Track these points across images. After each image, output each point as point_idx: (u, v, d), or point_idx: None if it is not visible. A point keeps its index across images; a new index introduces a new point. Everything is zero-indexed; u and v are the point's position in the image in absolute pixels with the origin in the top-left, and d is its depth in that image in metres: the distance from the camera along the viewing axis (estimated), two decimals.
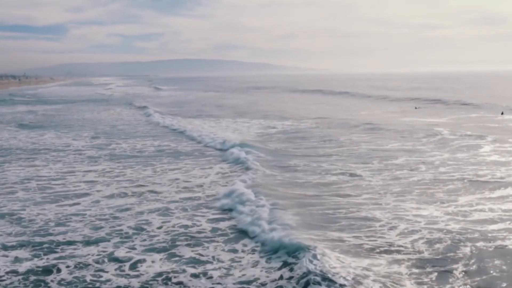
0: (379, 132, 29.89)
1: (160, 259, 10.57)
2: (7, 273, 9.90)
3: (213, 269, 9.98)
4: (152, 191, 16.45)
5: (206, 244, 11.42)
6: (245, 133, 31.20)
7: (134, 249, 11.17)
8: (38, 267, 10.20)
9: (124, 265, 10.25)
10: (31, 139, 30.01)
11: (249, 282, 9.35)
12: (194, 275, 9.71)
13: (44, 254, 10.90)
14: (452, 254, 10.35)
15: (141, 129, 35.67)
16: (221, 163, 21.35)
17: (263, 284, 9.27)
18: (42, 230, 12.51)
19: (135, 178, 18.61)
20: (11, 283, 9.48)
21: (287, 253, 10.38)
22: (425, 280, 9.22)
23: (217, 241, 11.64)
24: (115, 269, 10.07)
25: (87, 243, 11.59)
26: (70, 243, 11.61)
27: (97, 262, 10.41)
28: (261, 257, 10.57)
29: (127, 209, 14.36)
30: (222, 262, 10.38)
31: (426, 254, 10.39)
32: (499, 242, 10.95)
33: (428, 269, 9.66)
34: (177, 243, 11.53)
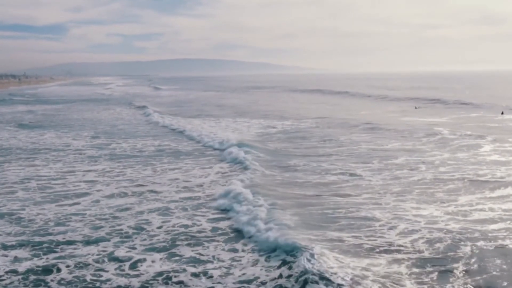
0: (379, 131, 29.88)
1: (160, 258, 10.57)
2: (6, 272, 9.90)
3: (214, 268, 9.97)
4: (152, 191, 16.45)
5: (206, 244, 11.42)
6: (245, 133, 31.19)
7: (134, 248, 11.17)
8: (38, 266, 10.19)
9: (124, 265, 10.25)
10: (31, 139, 30.00)
11: (249, 282, 9.34)
12: (195, 275, 9.70)
13: (44, 254, 10.89)
14: (452, 253, 10.35)
15: (141, 128, 35.66)
16: (221, 162, 21.34)
17: (263, 283, 9.26)
18: (42, 230, 12.50)
19: (135, 177, 18.61)
20: (11, 282, 9.48)
21: (285, 252, 10.36)
22: (425, 280, 9.21)
23: (217, 241, 11.63)
24: (115, 269, 10.06)
25: (87, 242, 11.59)
26: (70, 242, 11.60)
27: (97, 262, 10.40)
28: (260, 255, 10.56)
29: (127, 209, 14.35)
30: (222, 261, 10.38)
31: (426, 254, 10.38)
32: (499, 242, 10.95)
33: (428, 269, 9.65)
34: (177, 242, 11.52)
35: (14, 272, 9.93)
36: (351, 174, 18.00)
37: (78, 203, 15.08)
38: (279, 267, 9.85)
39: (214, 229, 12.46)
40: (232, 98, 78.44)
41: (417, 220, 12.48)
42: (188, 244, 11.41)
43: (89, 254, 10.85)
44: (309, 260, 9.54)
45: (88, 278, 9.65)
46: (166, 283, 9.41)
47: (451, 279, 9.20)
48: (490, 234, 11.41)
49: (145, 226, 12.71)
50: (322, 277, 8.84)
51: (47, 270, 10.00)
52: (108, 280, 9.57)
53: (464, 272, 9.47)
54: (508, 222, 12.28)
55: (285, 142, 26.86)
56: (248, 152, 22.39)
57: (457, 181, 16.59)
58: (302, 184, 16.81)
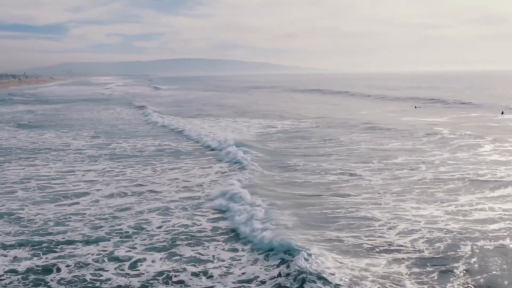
0: (379, 131, 29.87)
1: (161, 258, 10.56)
2: (6, 272, 9.89)
3: (214, 268, 9.96)
4: (152, 191, 16.44)
5: (206, 244, 11.41)
6: (245, 133, 31.18)
7: (134, 248, 11.16)
8: (37, 266, 10.18)
9: (124, 264, 10.24)
10: (30, 139, 30.00)
11: (249, 281, 9.33)
12: (195, 274, 9.69)
13: (43, 254, 10.88)
14: (452, 253, 10.34)
15: (141, 128, 35.65)
16: (221, 162, 21.32)
17: (263, 282, 9.25)
18: (41, 230, 12.49)
19: (135, 177, 18.60)
20: (11, 282, 9.47)
21: (283, 252, 10.31)
22: (425, 279, 9.20)
23: (217, 240, 11.62)
24: (115, 268, 10.05)
25: (87, 242, 11.58)
26: (69, 242, 11.59)
27: (97, 262, 10.39)
28: (259, 254, 10.52)
29: (127, 209, 14.34)
30: (222, 261, 10.36)
31: (426, 253, 10.37)
32: (499, 241, 10.94)
33: (428, 269, 9.64)
34: (177, 242, 11.51)
35: (14, 272, 9.92)
36: (351, 174, 17.99)
37: (77, 203, 15.07)
38: (277, 265, 9.82)
39: (214, 229, 12.44)
40: (232, 98, 78.43)
41: (417, 220, 12.47)
42: (188, 244, 11.39)
43: (89, 253, 10.83)
44: (306, 260, 9.52)
45: (88, 277, 9.64)
46: (167, 283, 9.40)
47: (451, 279, 9.19)
48: (490, 234, 11.40)
49: (145, 226, 12.70)
50: (319, 277, 8.81)
51: (47, 270, 9.99)
52: (108, 279, 9.56)
53: (464, 272, 9.46)
54: (508, 222, 12.27)
55: (284, 142, 26.85)
56: (247, 152, 22.38)
57: (457, 181, 16.58)
58: (301, 184, 16.80)
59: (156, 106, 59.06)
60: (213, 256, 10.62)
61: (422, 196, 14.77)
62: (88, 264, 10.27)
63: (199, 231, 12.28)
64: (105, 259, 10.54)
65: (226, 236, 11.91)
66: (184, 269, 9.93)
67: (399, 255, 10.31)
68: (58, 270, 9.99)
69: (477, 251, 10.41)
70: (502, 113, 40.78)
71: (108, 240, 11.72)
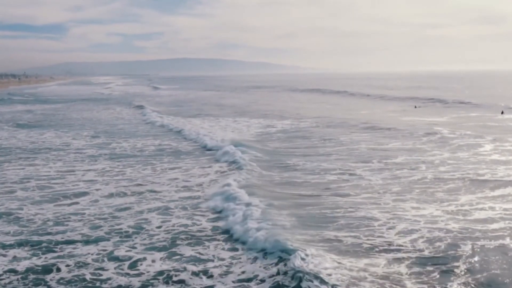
0: (379, 131, 29.86)
1: (161, 258, 10.54)
2: (5, 272, 9.87)
3: (214, 267, 9.95)
4: (151, 190, 16.42)
5: (206, 243, 11.39)
6: (245, 133, 31.16)
7: (134, 248, 11.14)
8: (37, 266, 10.17)
9: (124, 264, 10.22)
10: (30, 138, 29.98)
11: (248, 280, 9.32)
12: (195, 274, 9.68)
13: (43, 253, 10.86)
14: (452, 252, 10.32)
15: (141, 128, 35.64)
16: (220, 162, 21.30)
17: (262, 281, 9.24)
18: (41, 230, 12.47)
19: (135, 177, 18.58)
20: (10, 282, 9.45)
21: (280, 252, 10.23)
22: (425, 279, 9.19)
23: (218, 240, 11.61)
24: (115, 268, 10.04)
25: (87, 242, 11.56)
26: (69, 242, 11.57)
27: (97, 261, 10.38)
28: (258, 253, 10.49)
29: (126, 208, 14.33)
30: (223, 260, 10.35)
31: (426, 253, 10.36)
32: (500, 241, 10.93)
33: (429, 268, 9.63)
34: (178, 242, 11.50)
35: (13, 271, 9.90)
36: (350, 174, 17.97)
37: (77, 203, 15.05)
38: (275, 265, 9.79)
39: (214, 228, 12.43)
40: (232, 97, 78.40)
41: (417, 220, 12.46)
42: (189, 244, 11.38)
43: (88, 253, 10.82)
44: (303, 259, 9.50)
45: (88, 277, 9.63)
46: (167, 282, 9.38)
47: (451, 278, 9.17)
48: (490, 234, 11.40)
49: (144, 226, 12.69)
50: (315, 278, 8.78)
51: (47, 269, 9.98)
52: (109, 279, 9.55)
53: (465, 271, 9.45)
54: (509, 221, 12.26)
55: (284, 142, 26.84)
56: (246, 152, 22.36)
57: (457, 180, 16.57)
58: (300, 184, 16.78)
59: (156, 105, 59.04)
60: (213, 256, 10.61)
61: (422, 196, 14.76)
62: (88, 263, 10.26)
63: (199, 231, 12.27)
64: (105, 258, 10.53)
65: (226, 236, 11.90)
66: (185, 269, 9.92)
67: (399, 255, 10.29)
68: (58, 270, 9.98)
69: (478, 250, 10.40)
70: (502, 112, 40.78)
71: (108, 240, 11.71)
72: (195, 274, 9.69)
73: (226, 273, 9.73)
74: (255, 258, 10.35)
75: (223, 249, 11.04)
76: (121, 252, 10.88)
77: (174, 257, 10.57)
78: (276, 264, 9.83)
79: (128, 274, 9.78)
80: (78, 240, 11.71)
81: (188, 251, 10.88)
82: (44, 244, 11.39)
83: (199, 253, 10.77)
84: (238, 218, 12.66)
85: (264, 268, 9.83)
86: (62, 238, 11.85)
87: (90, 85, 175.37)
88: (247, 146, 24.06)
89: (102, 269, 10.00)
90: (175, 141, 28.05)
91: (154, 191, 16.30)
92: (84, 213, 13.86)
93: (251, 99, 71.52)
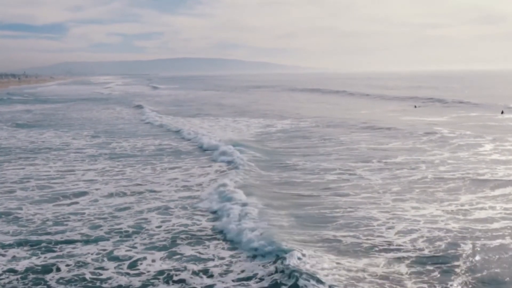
0: (378, 131, 29.85)
1: (161, 257, 10.53)
2: (4, 272, 9.85)
3: (214, 266, 9.94)
4: (151, 190, 16.41)
5: (207, 243, 11.38)
6: (244, 132, 31.16)
7: (134, 247, 11.13)
8: (36, 265, 10.15)
9: (124, 264, 10.21)
10: (30, 138, 29.96)
11: (248, 279, 9.31)
12: (195, 273, 9.67)
13: (42, 253, 10.84)
14: (453, 251, 10.31)
15: (140, 128, 35.63)
16: (220, 162, 21.27)
17: (261, 279, 9.23)
18: (40, 229, 12.45)
19: (135, 177, 18.57)
20: (10, 281, 9.44)
21: (275, 253, 10.14)
22: (425, 278, 9.17)
23: (218, 239, 11.59)
24: (115, 268, 10.02)
25: (86, 242, 11.54)
26: (68, 242, 11.55)
27: (97, 261, 10.36)
28: (256, 252, 10.48)
29: (126, 208, 14.31)
30: (223, 259, 10.35)
31: (426, 252, 10.34)
32: (500, 240, 10.92)
33: (429, 267, 9.61)
34: (178, 241, 11.49)
35: (13, 271, 9.88)
36: (350, 174, 17.96)
37: (77, 203, 15.03)
38: (272, 263, 9.75)
39: (214, 228, 12.41)
40: (232, 97, 78.37)
41: (417, 220, 12.44)
42: (189, 243, 11.36)
43: (88, 253, 10.80)
44: (299, 259, 9.47)
45: (88, 276, 9.61)
46: (167, 282, 9.37)
47: (452, 277, 9.16)
48: (491, 233, 11.38)
49: (144, 225, 12.67)
50: (311, 279, 8.74)
51: (46, 269, 9.96)
52: (109, 278, 9.53)
53: (465, 271, 9.43)
54: (509, 221, 12.25)
55: (284, 142, 26.83)
56: (246, 152, 22.34)
57: (457, 180, 16.56)
58: (300, 184, 16.75)
59: (156, 105, 59.03)
60: (214, 255, 10.59)
61: (422, 196, 14.74)
62: (88, 263, 10.24)
63: (200, 230, 12.25)
64: (105, 258, 10.51)
65: (226, 235, 11.87)
66: (185, 268, 9.91)
67: (399, 254, 10.27)
68: (58, 269, 9.96)
69: (478, 250, 10.38)
70: (502, 112, 40.76)
71: (108, 239, 11.69)
72: (195, 273, 9.68)
73: (226, 272, 9.72)
74: (250, 259, 10.30)
75: (223, 248, 11.03)
76: (121, 251, 10.87)
77: (174, 257, 10.56)
78: (272, 263, 9.76)
79: (128, 273, 9.76)
80: (77, 239, 11.69)
81: (188, 251, 10.88)
82: (43, 244, 11.38)
83: (199, 253, 10.77)
84: (233, 218, 12.55)
85: (260, 268, 9.79)
86: (62, 237, 11.83)
87: (90, 85, 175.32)
88: (248, 146, 24.04)
89: (102, 268, 9.99)
90: (175, 141, 28.03)
91: (154, 191, 16.29)
92: (83, 213, 13.85)
93: (251, 99, 71.50)
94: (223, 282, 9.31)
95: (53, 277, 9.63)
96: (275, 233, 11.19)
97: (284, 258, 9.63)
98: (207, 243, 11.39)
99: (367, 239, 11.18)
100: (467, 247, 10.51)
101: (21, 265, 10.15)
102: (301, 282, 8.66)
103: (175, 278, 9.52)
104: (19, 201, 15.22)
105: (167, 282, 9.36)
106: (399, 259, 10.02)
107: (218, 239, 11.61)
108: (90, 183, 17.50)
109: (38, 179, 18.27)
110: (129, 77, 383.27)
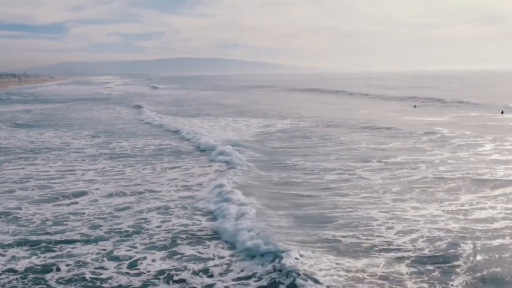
0: (378, 131, 29.84)
1: (161, 257, 10.52)
2: (4, 271, 9.85)
3: (214, 266, 9.93)
4: (151, 190, 16.40)
5: (207, 242, 11.37)
6: (244, 132, 31.15)
7: (134, 247, 11.12)
8: (36, 265, 10.14)
9: (124, 264, 10.20)
10: (29, 138, 29.95)
11: (248, 278, 9.30)
12: (195, 273, 9.66)
13: (42, 253, 10.84)
14: (453, 251, 10.30)
15: (140, 128, 35.62)
16: (219, 162, 21.26)
17: (260, 278, 9.22)
18: (40, 229, 12.44)
19: (134, 177, 18.56)
20: (9, 281, 9.43)
21: (272, 254, 10.09)
22: (426, 278, 9.17)
23: (218, 239, 11.59)
24: (115, 267, 10.02)
25: (86, 242, 11.54)
26: (68, 241, 11.54)
27: (97, 261, 10.35)
28: (252, 255, 10.46)
29: (126, 208, 14.30)
30: (222, 258, 10.34)
31: (426, 252, 10.34)
32: (500, 240, 10.91)
33: (429, 267, 9.61)
34: (178, 241, 11.48)
35: (12, 271, 9.88)
36: (350, 174, 17.94)
37: (76, 202, 15.03)
38: (270, 263, 9.74)
39: (214, 228, 12.41)
40: (232, 97, 78.35)
41: (416, 220, 12.43)
42: (189, 243, 11.35)
43: (88, 253, 10.79)
44: (297, 259, 9.46)
45: (88, 276, 9.61)
46: (167, 282, 9.37)
47: (452, 277, 9.15)
48: (491, 233, 11.38)
49: (144, 225, 12.67)
50: (310, 278, 8.73)
51: (46, 269, 9.95)
52: (109, 278, 9.53)
53: (465, 271, 9.43)
54: (509, 220, 12.24)
55: (284, 142, 26.82)
56: (245, 152, 22.34)
57: (457, 180, 16.55)
58: (299, 184, 16.74)
59: (156, 105, 59.02)
60: (213, 254, 10.59)
61: (422, 196, 14.74)
62: (88, 263, 10.23)
63: (200, 230, 12.25)
64: (105, 258, 10.51)
65: (224, 235, 11.86)
66: (185, 268, 9.90)
67: (399, 254, 10.26)
68: (58, 269, 9.96)
69: (478, 249, 10.38)
70: (502, 112, 40.76)
71: (108, 239, 11.68)
72: (195, 273, 9.68)
73: (226, 271, 9.71)
74: (249, 258, 10.27)
75: (223, 248, 11.03)
76: (121, 251, 10.86)
77: (174, 257, 10.55)
78: (270, 262, 9.76)
79: (128, 273, 9.76)
80: (77, 239, 11.68)
81: (188, 250, 10.87)
82: (43, 244, 11.37)
83: (199, 252, 10.76)
84: (229, 218, 12.52)
85: (259, 267, 9.76)
86: (61, 237, 11.82)
87: (90, 84, 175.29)
88: (248, 146, 24.03)
89: (102, 268, 9.98)
90: (175, 141, 28.03)
91: (154, 191, 16.28)
92: (83, 213, 13.84)
93: (251, 99, 71.49)
94: (223, 281, 9.31)
95: (52, 276, 9.63)
96: (273, 233, 11.18)
97: (281, 258, 9.62)
98: (207, 242, 11.39)
99: (366, 239, 11.17)
100: (467, 247, 10.50)
101: (20, 265, 10.15)
102: (298, 281, 8.66)
103: (175, 277, 9.52)
104: (19, 201, 15.22)
105: (167, 282, 9.36)
106: (399, 259, 10.02)
107: (218, 239, 11.61)
108: (90, 183, 17.50)
109: (38, 179, 18.26)
110: (129, 77, 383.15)
